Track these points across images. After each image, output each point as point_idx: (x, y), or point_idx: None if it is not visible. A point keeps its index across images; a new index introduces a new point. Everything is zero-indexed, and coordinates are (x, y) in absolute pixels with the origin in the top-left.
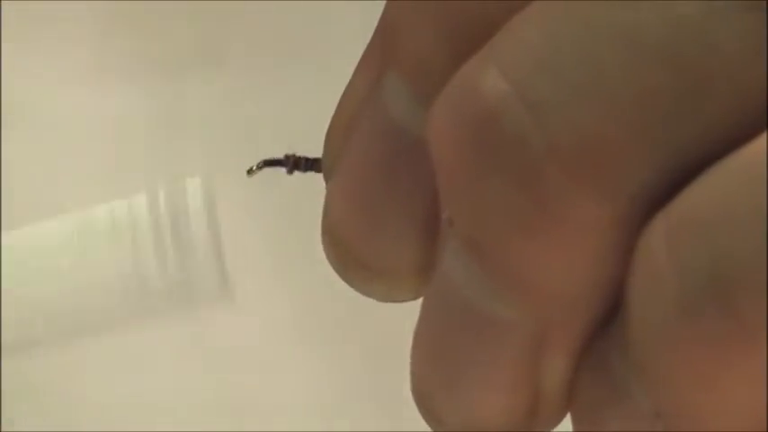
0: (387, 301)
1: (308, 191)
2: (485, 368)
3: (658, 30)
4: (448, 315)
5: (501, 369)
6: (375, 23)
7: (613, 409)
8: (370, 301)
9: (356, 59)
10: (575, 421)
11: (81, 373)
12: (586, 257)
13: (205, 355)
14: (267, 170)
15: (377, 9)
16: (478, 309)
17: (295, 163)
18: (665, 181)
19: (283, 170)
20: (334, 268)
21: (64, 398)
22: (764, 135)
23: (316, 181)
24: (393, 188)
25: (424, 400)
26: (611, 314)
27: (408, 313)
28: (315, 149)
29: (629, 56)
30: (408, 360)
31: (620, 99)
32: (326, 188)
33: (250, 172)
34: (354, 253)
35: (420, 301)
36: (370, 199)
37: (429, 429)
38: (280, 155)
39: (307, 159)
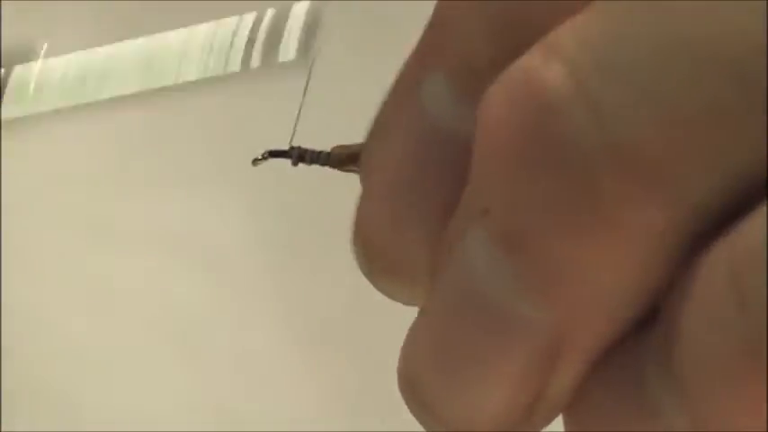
0: (410, 305)
1: (306, 191)
2: (493, 363)
3: (725, 43)
4: (460, 305)
5: (510, 367)
6: (374, 23)
7: (638, 423)
8: (369, 303)
9: (355, 60)
10: (571, 425)
11: (80, 375)
12: (632, 265)
13: (198, 357)
14: (272, 162)
15: (375, 9)
16: (498, 303)
17: (300, 155)
18: (728, 198)
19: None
20: (360, 268)
21: (64, 398)
22: None
23: (315, 180)
24: (425, 191)
25: (417, 389)
26: (635, 328)
27: (408, 315)
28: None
29: (697, 66)
30: None
31: (687, 107)
32: (362, 187)
33: (255, 162)
34: (383, 254)
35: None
36: (403, 203)
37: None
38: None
39: (312, 152)
